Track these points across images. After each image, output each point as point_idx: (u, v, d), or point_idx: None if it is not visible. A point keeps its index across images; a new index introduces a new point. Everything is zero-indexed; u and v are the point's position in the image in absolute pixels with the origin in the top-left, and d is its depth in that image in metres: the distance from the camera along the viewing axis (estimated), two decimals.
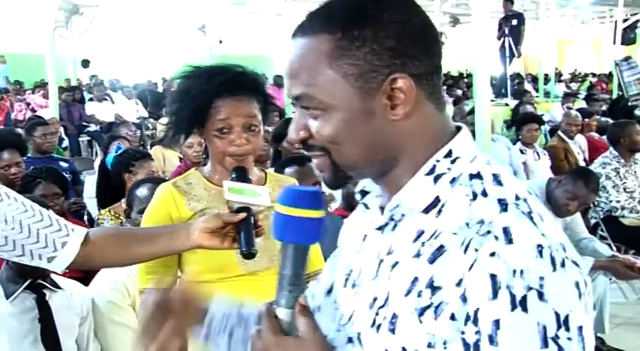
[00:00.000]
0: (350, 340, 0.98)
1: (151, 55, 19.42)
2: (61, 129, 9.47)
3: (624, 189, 5.19)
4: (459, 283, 0.82)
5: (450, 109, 8.95)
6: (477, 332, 0.80)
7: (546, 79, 15.26)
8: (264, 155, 4.39)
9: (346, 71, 0.91)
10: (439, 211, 0.90)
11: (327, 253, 2.77)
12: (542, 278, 0.80)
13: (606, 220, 5.13)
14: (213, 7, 14.13)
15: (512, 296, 0.79)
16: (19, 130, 5.88)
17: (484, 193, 0.88)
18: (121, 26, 18.77)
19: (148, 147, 6.93)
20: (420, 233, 0.90)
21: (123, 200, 3.32)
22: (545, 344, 0.79)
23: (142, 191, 2.77)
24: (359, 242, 1.05)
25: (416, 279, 0.86)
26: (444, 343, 0.83)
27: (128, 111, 11.57)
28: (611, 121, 7.39)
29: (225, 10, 16.32)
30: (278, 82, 12.15)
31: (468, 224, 0.85)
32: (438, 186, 0.91)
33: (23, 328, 2.34)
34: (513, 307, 0.79)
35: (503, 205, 0.87)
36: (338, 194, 3.53)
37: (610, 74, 12.09)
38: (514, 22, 11.31)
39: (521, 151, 6.11)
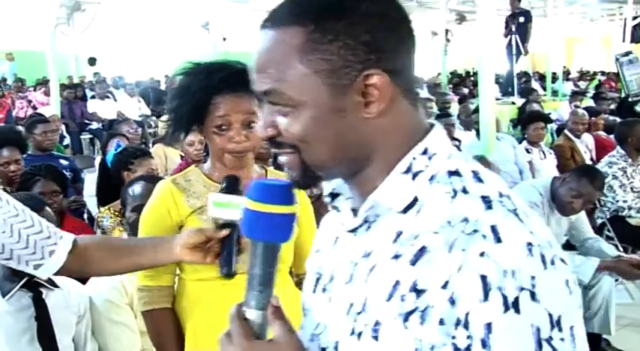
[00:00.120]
0: (324, 350, 0.94)
1: (154, 53, 19.46)
2: (63, 127, 9.49)
3: (631, 188, 5.18)
4: (445, 285, 0.79)
5: (455, 108, 8.96)
6: (469, 337, 0.77)
7: (554, 78, 15.22)
8: (265, 153, 4.37)
9: (317, 66, 0.87)
10: (418, 211, 0.86)
11: None
12: (533, 278, 0.77)
13: (613, 220, 5.11)
14: (216, 5, 14.14)
15: (504, 298, 0.76)
16: (20, 128, 5.90)
17: (465, 191, 0.85)
18: (123, 23, 18.83)
19: (150, 145, 6.95)
20: (399, 234, 0.86)
21: None
22: (540, 346, 0.77)
23: (134, 189, 2.77)
24: (330, 245, 1.01)
25: (397, 282, 0.83)
26: (432, 348, 0.80)
27: (130, 109, 11.59)
28: (619, 119, 7.37)
29: (228, 8, 16.33)
30: None
31: (450, 223, 0.82)
32: (416, 184, 0.88)
33: (19, 326, 2.34)
34: (506, 308, 0.76)
35: (488, 202, 0.84)
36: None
37: (619, 73, 12.04)
38: (521, 19, 11.25)
39: (527, 151, 6.09)
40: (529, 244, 0.79)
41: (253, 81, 0.92)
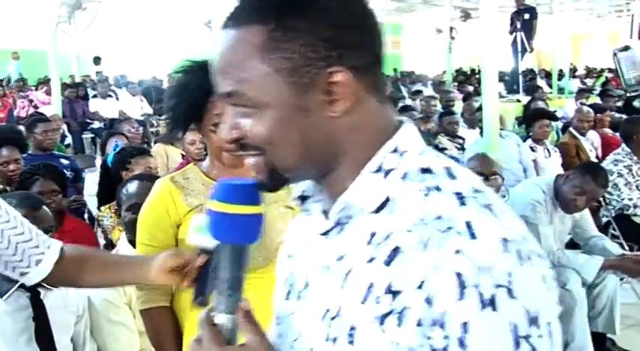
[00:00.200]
0: None
1: (156, 51, 19.47)
2: (65, 126, 9.52)
3: (637, 186, 5.16)
4: (420, 285, 0.77)
5: (459, 106, 8.95)
6: (446, 337, 0.75)
7: (560, 75, 15.18)
8: None
9: (279, 65, 0.85)
10: (391, 210, 0.85)
11: None
12: (510, 274, 0.76)
13: (618, 219, 5.08)
14: (218, 2, 14.14)
15: (481, 295, 0.75)
16: (20, 127, 5.92)
17: (438, 188, 0.84)
18: (125, 22, 18.84)
19: (152, 144, 6.96)
20: (373, 235, 0.84)
21: None
22: (518, 344, 0.75)
23: (129, 188, 2.78)
24: (302, 250, 0.99)
25: (372, 284, 0.81)
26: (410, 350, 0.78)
27: (132, 108, 11.62)
28: (625, 117, 7.36)
29: (231, 5, 16.29)
30: None
31: (423, 221, 0.81)
32: (387, 183, 0.86)
33: (17, 326, 2.35)
34: (482, 306, 0.75)
35: (461, 198, 0.83)
36: None
37: (617, 68, 12.02)
38: (526, 16, 11.21)
39: (532, 149, 6.08)
40: (504, 239, 0.78)
41: (217, 83, 0.91)
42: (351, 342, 0.83)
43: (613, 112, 8.38)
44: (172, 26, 19.51)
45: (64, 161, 5.37)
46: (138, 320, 2.45)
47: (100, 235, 4.33)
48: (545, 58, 21.02)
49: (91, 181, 5.06)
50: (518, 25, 11.13)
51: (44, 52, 9.29)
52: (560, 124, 8.48)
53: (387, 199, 0.86)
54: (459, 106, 9.10)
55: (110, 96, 12.04)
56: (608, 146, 6.69)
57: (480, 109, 6.21)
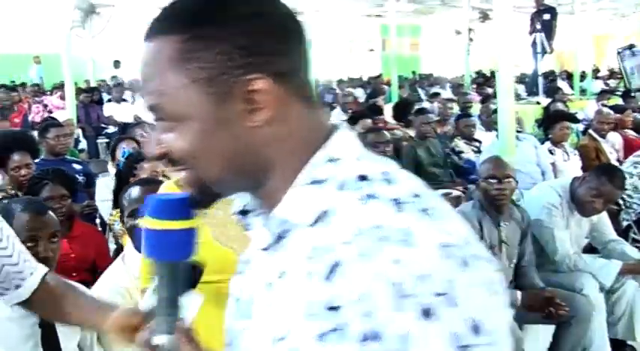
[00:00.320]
0: None
1: None
2: (79, 131, 9.59)
3: None
4: (360, 299, 0.73)
5: (477, 108, 8.92)
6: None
7: (583, 76, 15.09)
8: None
9: (195, 76, 0.83)
10: (329, 222, 0.81)
11: None
12: (450, 281, 0.74)
13: (639, 222, 5.05)
14: None
15: (419, 305, 0.72)
16: (33, 132, 5.98)
17: (376, 195, 0.81)
18: (140, 26, 18.98)
19: None
20: (312, 249, 0.80)
21: None
22: None
23: (130, 193, 2.77)
24: (245, 267, 0.96)
25: (312, 301, 0.77)
26: None
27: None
28: None
29: None
30: None
31: (362, 231, 0.77)
32: (323, 193, 0.83)
33: (23, 332, 2.37)
34: (421, 317, 0.72)
35: (399, 204, 0.80)
36: None
37: (620, 67, 11.98)
38: (546, 16, 11.14)
39: (550, 151, 6.04)
40: (444, 245, 0.76)
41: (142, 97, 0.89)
42: None
43: (635, 113, 8.29)
44: None
45: (77, 166, 5.41)
46: None
47: (111, 240, 4.38)
48: (567, 60, 20.88)
49: (103, 186, 5.10)
50: (538, 26, 11.06)
51: (57, 56, 9.38)
52: (581, 127, 8.42)
53: (324, 211, 0.82)
54: (477, 109, 9.07)
55: (125, 100, 12.11)
56: (630, 148, 6.63)
57: (496, 111, 6.19)
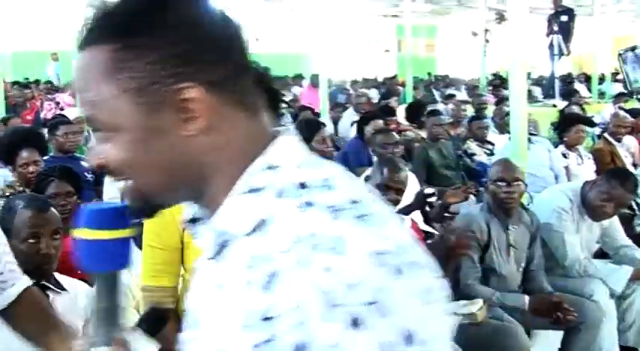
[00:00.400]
0: None
1: None
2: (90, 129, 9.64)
3: None
4: (294, 309, 0.73)
5: (492, 110, 8.89)
6: None
7: (602, 79, 14.99)
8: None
9: (127, 85, 0.83)
10: (267, 231, 0.80)
11: None
12: (382, 290, 0.73)
13: None
14: (248, 4, 14.26)
15: (349, 314, 0.72)
16: (44, 129, 6.02)
17: (313, 202, 0.80)
18: None
19: None
20: (250, 258, 0.79)
21: None
22: None
23: None
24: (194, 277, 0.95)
25: (250, 311, 0.76)
26: None
27: None
28: None
29: (262, 7, 16.44)
30: (314, 81, 12.21)
31: (299, 239, 0.77)
32: (261, 202, 0.82)
33: None
34: (351, 326, 0.71)
35: (335, 211, 0.79)
36: None
37: (621, 69, 11.92)
38: (564, 18, 11.09)
39: (564, 155, 6.01)
40: (378, 252, 0.76)
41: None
42: None
43: None
44: None
45: (86, 164, 5.44)
46: None
47: None
48: (585, 62, 20.76)
49: (111, 184, 5.11)
50: (555, 28, 11.02)
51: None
52: (597, 130, 8.36)
53: (262, 220, 0.81)
54: (491, 111, 9.04)
55: None
56: None
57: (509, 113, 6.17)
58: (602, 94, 13.98)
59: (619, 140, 6.59)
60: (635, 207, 4.90)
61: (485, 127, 6.69)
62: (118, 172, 0.87)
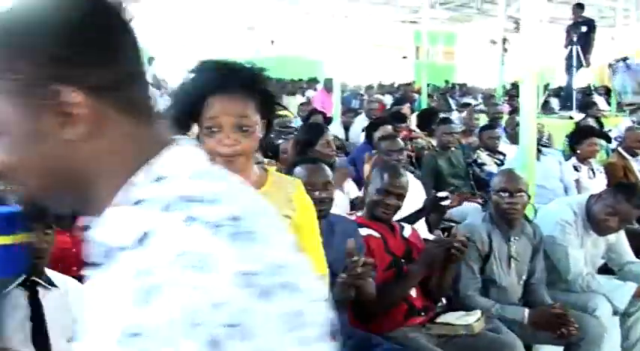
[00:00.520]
0: None
1: (199, 56, 19.74)
2: None
3: None
4: (160, 326, 0.72)
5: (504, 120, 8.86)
6: None
7: None
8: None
9: (5, 87, 0.82)
10: (149, 244, 0.78)
11: (339, 255, 2.77)
12: (245, 311, 0.73)
13: None
14: (264, 6, 14.32)
15: (209, 335, 0.71)
16: None
17: (196, 217, 0.78)
18: (167, 26, 19.18)
19: None
20: (132, 272, 0.77)
21: None
22: None
23: None
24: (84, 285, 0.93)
25: (124, 327, 0.74)
26: None
27: None
28: None
29: (277, 9, 16.49)
30: (328, 85, 12.24)
31: (177, 255, 0.75)
32: (144, 214, 0.80)
33: (13, 324, 2.43)
34: (209, 347, 0.71)
35: (214, 227, 0.78)
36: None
37: (611, 81, 11.90)
38: (583, 29, 11.07)
39: (575, 168, 5.98)
40: (245, 273, 0.75)
41: None
42: None
43: None
44: (215, 30, 19.78)
45: None
46: None
47: None
48: (606, 74, 20.63)
49: None
50: (575, 39, 10.98)
51: None
52: (613, 144, 8.31)
53: (145, 233, 0.79)
54: (505, 121, 9.01)
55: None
56: None
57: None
58: (620, 107, 13.88)
59: (634, 155, 6.55)
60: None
61: (496, 137, 6.66)
62: (3, 175, 0.86)
